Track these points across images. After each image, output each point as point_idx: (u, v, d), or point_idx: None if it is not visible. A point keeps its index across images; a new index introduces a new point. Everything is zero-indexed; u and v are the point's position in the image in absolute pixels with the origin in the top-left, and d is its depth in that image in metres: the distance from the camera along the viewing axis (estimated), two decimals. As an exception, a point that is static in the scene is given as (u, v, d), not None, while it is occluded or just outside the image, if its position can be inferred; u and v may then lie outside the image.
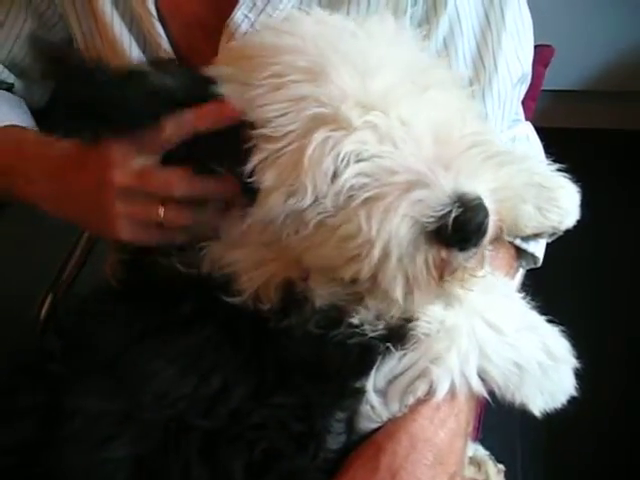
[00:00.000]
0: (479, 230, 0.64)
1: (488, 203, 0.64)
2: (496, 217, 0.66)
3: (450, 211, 0.62)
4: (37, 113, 1.08)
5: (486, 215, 0.64)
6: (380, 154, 0.64)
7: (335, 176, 0.65)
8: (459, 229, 0.62)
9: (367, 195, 0.64)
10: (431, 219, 0.62)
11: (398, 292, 0.65)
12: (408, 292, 0.66)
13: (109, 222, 0.77)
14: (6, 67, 1.05)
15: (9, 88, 1.05)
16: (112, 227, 0.77)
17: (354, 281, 0.69)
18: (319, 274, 0.71)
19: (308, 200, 0.65)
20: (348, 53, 0.68)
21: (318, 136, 0.64)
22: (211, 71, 0.72)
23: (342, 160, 0.64)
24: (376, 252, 0.63)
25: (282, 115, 0.66)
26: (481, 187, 0.64)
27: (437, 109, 0.68)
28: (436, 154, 0.64)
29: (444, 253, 0.64)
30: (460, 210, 0.62)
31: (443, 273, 0.66)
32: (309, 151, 0.64)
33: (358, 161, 0.65)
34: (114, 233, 0.77)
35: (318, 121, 0.65)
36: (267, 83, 0.67)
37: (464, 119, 0.70)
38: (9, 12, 1.01)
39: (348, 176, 0.64)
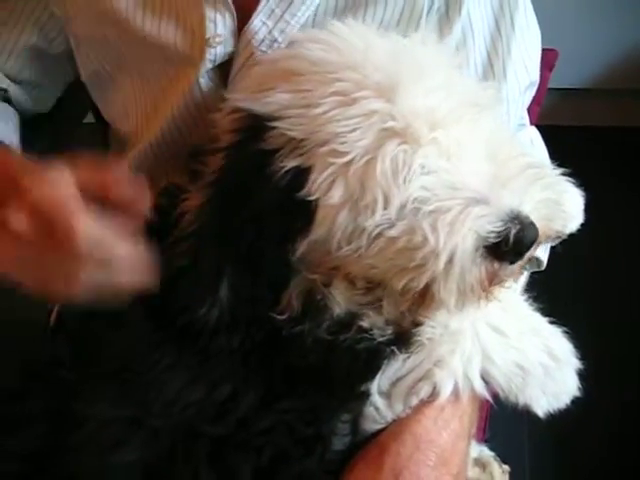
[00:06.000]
0: (531, 246, 0.68)
1: (535, 221, 0.69)
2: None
3: (510, 228, 0.66)
4: (39, 116, 1.08)
5: (537, 232, 0.68)
6: (443, 170, 0.67)
7: (402, 189, 0.67)
8: (516, 244, 0.67)
9: (431, 208, 0.67)
10: (492, 234, 0.66)
11: (452, 300, 0.69)
12: (460, 300, 0.69)
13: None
14: None
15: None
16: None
17: (378, 288, 0.72)
18: (342, 281, 0.73)
19: (379, 213, 0.67)
20: (413, 70, 0.70)
21: (389, 150, 0.66)
22: (266, 107, 0.70)
23: (410, 173, 0.67)
24: (441, 263, 0.66)
25: (352, 130, 0.67)
26: (530, 206, 0.69)
27: (491, 130, 0.72)
28: (493, 173, 0.68)
29: (496, 265, 0.68)
30: (518, 227, 0.66)
31: (491, 283, 0.70)
32: (381, 164, 0.66)
33: (424, 175, 0.67)
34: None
35: (388, 136, 0.67)
36: (333, 100, 0.68)
37: (512, 140, 0.76)
38: (6, 23, 0.99)
39: (414, 189, 0.67)
